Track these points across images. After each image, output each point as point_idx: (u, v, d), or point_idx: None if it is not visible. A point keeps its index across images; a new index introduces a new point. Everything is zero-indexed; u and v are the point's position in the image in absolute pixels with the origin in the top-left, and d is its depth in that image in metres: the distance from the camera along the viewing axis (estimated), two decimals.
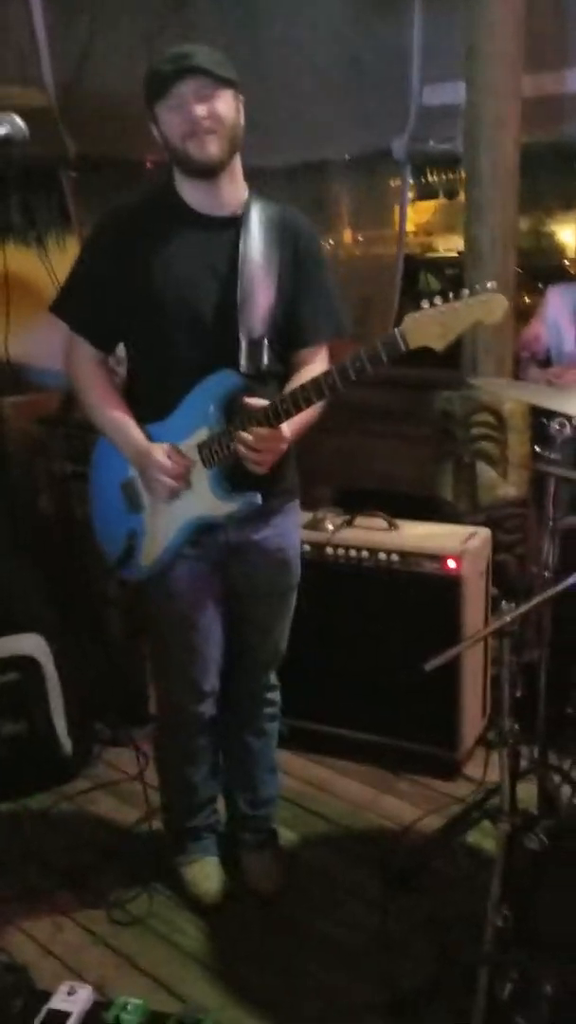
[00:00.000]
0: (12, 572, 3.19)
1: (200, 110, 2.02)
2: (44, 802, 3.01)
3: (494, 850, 2.49)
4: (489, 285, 1.84)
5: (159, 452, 2.16)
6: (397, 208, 4.76)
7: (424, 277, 7.63)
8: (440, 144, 4.05)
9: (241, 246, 2.14)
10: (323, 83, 4.12)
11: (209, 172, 2.09)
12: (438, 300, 1.86)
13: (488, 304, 1.85)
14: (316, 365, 2.24)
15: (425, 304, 1.86)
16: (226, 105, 2.05)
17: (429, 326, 1.86)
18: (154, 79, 2.04)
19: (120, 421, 2.23)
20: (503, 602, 2.21)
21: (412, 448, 3.51)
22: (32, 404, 3.73)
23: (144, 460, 2.19)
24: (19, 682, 3.00)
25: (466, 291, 1.85)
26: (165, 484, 2.17)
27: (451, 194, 7.34)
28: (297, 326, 2.23)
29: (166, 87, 2.02)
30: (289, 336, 2.23)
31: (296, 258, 2.21)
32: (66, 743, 3.09)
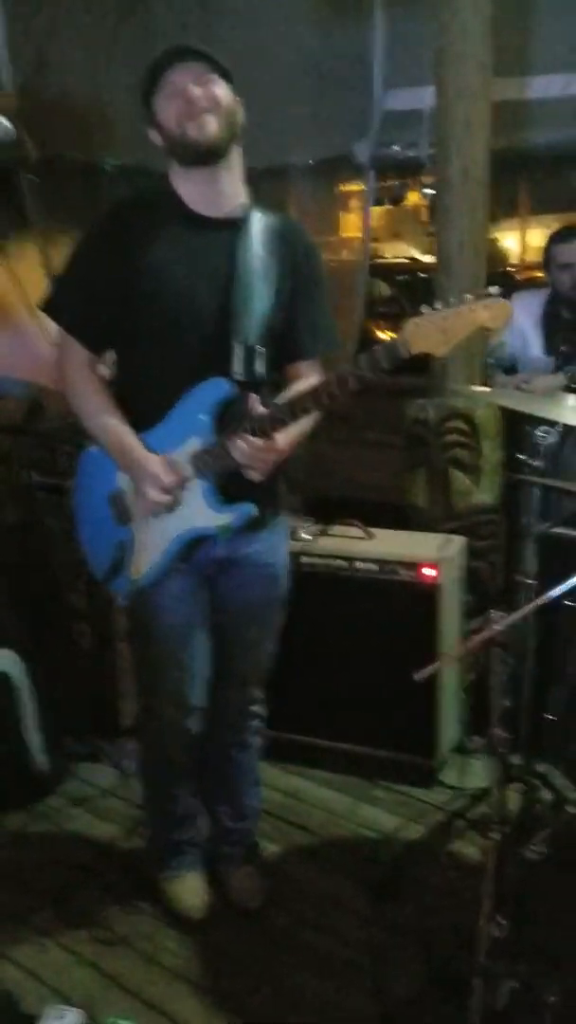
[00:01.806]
0: None
1: (196, 91, 2.00)
2: (18, 820, 2.94)
3: (477, 857, 2.51)
4: (492, 290, 1.82)
5: (155, 464, 2.11)
6: (348, 214, 4.76)
7: (376, 283, 7.68)
8: (403, 149, 4.07)
9: (239, 251, 2.10)
10: (283, 87, 4.10)
11: (208, 156, 2.05)
12: (439, 304, 1.83)
13: (492, 309, 1.82)
14: (311, 378, 2.20)
15: (425, 308, 1.84)
16: (223, 91, 2.03)
17: (431, 331, 1.83)
18: (149, 72, 2.03)
19: (116, 428, 2.16)
20: (491, 611, 2.21)
21: (384, 455, 3.52)
22: None
23: (139, 471, 2.13)
24: None
25: (469, 296, 1.83)
26: (156, 498, 2.12)
27: (397, 200, 7.38)
28: (294, 338, 2.21)
29: (161, 74, 2.02)
30: (285, 347, 2.20)
31: (296, 268, 2.18)
32: (41, 759, 3.02)
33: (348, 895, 2.58)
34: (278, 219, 2.19)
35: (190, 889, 2.54)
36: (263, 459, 2.05)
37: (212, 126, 2.01)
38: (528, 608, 2.17)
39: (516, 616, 2.15)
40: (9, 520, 3.51)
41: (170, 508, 2.14)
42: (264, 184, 4.19)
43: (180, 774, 2.50)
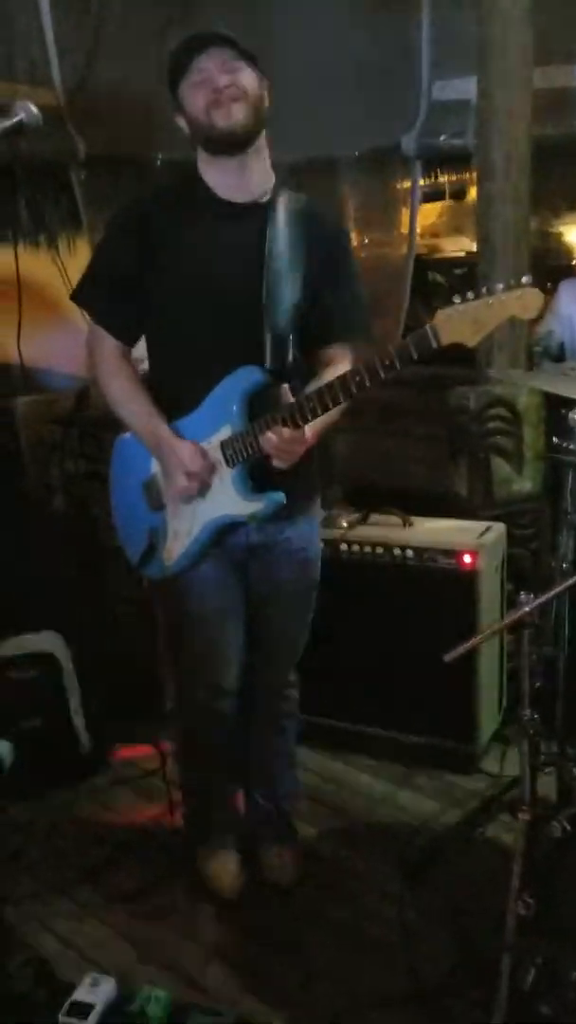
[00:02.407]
0: (29, 571, 3.19)
1: (223, 79, 2.00)
2: (63, 798, 3.01)
3: (511, 841, 2.50)
4: (524, 279, 1.79)
5: (183, 449, 2.14)
6: (404, 208, 4.75)
7: (432, 277, 7.64)
8: (451, 139, 4.05)
9: (268, 237, 2.10)
10: (330, 79, 4.11)
11: (235, 144, 2.06)
12: (470, 295, 1.81)
13: (522, 298, 1.79)
14: (342, 364, 2.20)
15: (457, 299, 1.81)
16: (249, 78, 2.03)
17: (461, 322, 1.81)
18: (175, 59, 2.03)
19: (146, 414, 2.20)
20: (521, 593, 2.21)
21: (425, 445, 3.52)
22: (45, 404, 3.74)
23: (168, 456, 2.17)
24: (38, 678, 3.02)
25: (500, 285, 1.80)
26: (184, 483, 2.15)
27: (459, 195, 7.34)
28: (324, 323, 2.20)
29: (188, 61, 2.02)
30: (315, 333, 2.19)
31: (325, 251, 2.18)
32: (85, 739, 3.11)
33: (381, 876, 2.60)
34: (306, 202, 2.18)
35: (224, 867, 2.58)
36: (291, 449, 2.05)
37: (239, 115, 2.02)
38: (555, 591, 2.16)
39: (544, 598, 2.14)
40: (58, 508, 3.60)
41: (199, 494, 2.17)
42: (311, 176, 4.25)
43: (216, 756, 2.55)
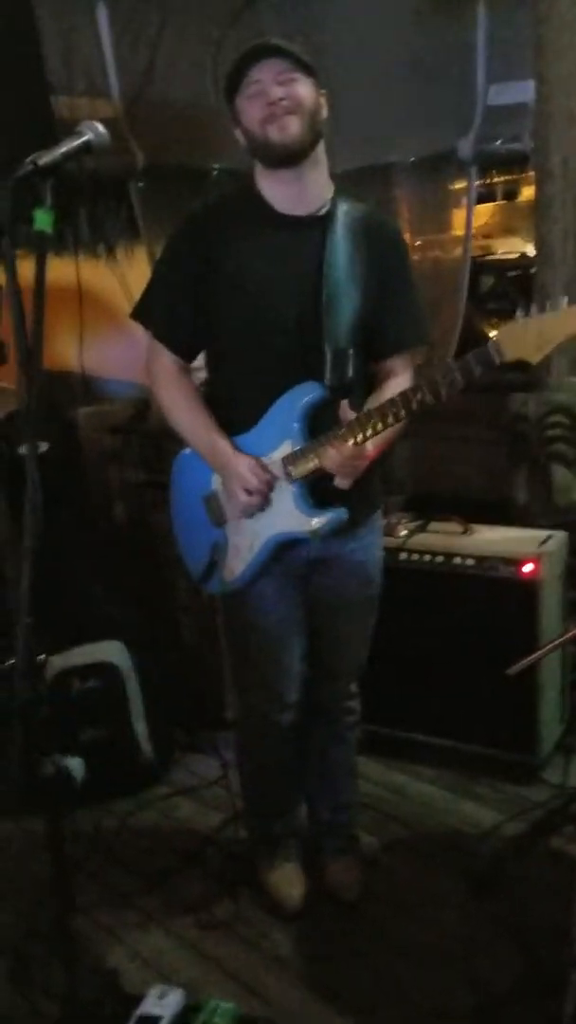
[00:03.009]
0: (91, 580, 3.23)
1: (278, 91, 1.98)
2: (127, 807, 3.05)
3: None
4: None
5: (243, 465, 2.14)
6: (458, 211, 4.72)
7: (485, 279, 7.58)
8: (507, 143, 4.01)
9: (326, 250, 2.08)
10: (386, 85, 4.10)
11: (291, 158, 2.03)
12: (534, 309, 1.79)
13: None
14: (402, 376, 2.20)
15: (520, 313, 1.79)
16: (306, 89, 2.01)
17: (525, 338, 1.79)
18: (231, 71, 2.02)
19: (204, 430, 2.20)
20: None
21: (485, 452, 3.49)
22: (105, 414, 3.79)
23: (228, 472, 2.17)
24: (101, 688, 3.05)
25: (564, 299, 1.77)
26: (244, 499, 2.15)
27: (511, 195, 7.28)
28: (384, 334, 2.18)
29: (243, 73, 2.00)
30: (374, 343, 2.18)
31: (383, 261, 2.15)
32: (147, 749, 3.14)
33: (446, 889, 2.59)
34: (364, 211, 2.15)
35: (287, 880, 2.58)
36: (353, 465, 2.05)
37: (294, 128, 1.99)
38: None
39: None
40: (118, 517, 3.64)
41: (260, 510, 2.17)
42: (366, 183, 4.24)
43: (277, 767, 2.55)
